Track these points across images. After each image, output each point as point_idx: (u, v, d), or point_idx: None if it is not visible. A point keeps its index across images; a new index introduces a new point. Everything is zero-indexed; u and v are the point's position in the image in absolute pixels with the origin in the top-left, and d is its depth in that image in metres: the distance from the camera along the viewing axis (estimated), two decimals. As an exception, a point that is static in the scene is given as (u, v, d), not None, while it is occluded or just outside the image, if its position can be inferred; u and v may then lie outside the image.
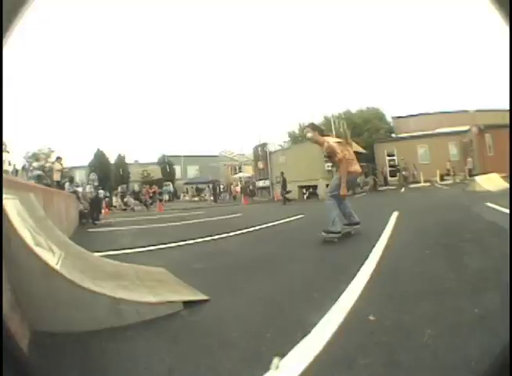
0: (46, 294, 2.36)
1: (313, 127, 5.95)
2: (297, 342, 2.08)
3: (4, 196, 2.31)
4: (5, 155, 14.56)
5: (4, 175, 3.24)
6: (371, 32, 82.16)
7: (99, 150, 40.93)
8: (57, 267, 2.46)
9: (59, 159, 14.39)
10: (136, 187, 32.65)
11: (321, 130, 6.04)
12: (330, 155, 5.65)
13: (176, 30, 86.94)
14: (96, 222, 12.20)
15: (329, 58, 77.27)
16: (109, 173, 38.06)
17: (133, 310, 2.56)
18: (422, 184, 26.97)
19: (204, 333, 2.41)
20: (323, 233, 5.46)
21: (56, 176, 13.21)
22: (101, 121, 73.45)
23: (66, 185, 12.19)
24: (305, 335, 2.17)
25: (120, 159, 42.78)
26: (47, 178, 13.13)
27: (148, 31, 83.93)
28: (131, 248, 6.08)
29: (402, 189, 23.26)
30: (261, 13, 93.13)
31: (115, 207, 25.23)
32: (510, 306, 1.90)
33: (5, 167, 13.72)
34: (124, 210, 24.09)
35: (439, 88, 71.42)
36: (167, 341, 2.30)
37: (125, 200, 26.04)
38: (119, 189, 29.35)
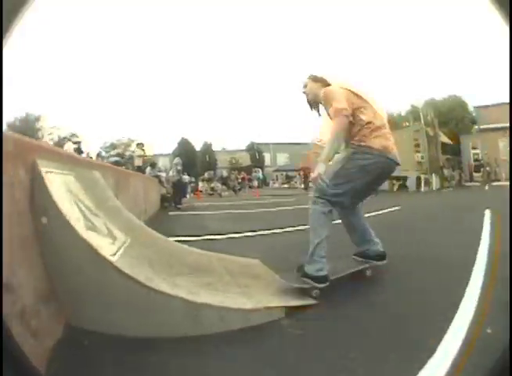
0: (92, 288, 1.81)
1: (315, 78, 3.30)
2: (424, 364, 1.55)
3: (46, 169, 1.82)
4: (68, 145, 14.61)
5: (56, 149, 2.68)
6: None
7: (183, 138, 42.01)
8: (112, 257, 1.87)
9: (140, 145, 14.38)
10: (224, 173, 32.81)
11: (325, 82, 3.27)
12: (326, 108, 3.04)
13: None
14: (179, 205, 11.89)
15: (411, 48, 73.96)
16: (195, 160, 38.95)
17: (217, 316, 1.91)
18: (503, 183, 22.73)
19: (311, 351, 1.75)
20: (296, 275, 2.68)
21: (138, 162, 13.25)
22: (186, 111, 75.35)
23: (148, 169, 12.13)
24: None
25: (207, 146, 43.55)
26: (126, 164, 13.12)
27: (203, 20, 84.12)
28: (219, 234, 5.25)
29: (486, 187, 20.01)
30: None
31: (201, 191, 25.23)
32: (509, 306, 1.64)
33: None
34: (211, 195, 23.99)
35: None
36: (262, 361, 1.67)
37: (212, 185, 26.03)
38: (205, 174, 29.61)
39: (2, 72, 1.12)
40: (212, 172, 31.25)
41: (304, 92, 3.27)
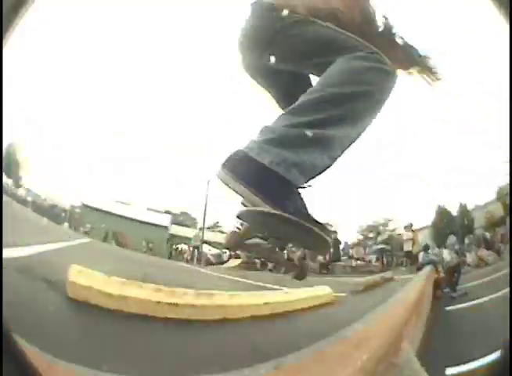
0: None
1: None
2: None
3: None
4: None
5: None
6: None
7: (440, 206, 38.93)
8: None
9: (409, 227, 13.59)
10: (486, 234, 28.99)
11: None
12: None
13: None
14: (454, 294, 9.72)
15: None
16: (452, 228, 35.35)
17: None
18: None
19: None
20: None
21: (407, 246, 12.35)
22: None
23: (421, 255, 11.10)
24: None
25: (463, 207, 39.42)
26: (390, 250, 12.45)
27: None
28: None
29: None
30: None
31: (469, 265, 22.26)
32: (510, 306, 1.80)
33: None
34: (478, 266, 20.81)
35: None
36: None
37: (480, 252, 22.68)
38: (466, 240, 26.55)
39: (2, 72, 1.14)
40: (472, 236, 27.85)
41: None
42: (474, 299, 8.50)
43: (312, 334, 2.22)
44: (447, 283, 10.07)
